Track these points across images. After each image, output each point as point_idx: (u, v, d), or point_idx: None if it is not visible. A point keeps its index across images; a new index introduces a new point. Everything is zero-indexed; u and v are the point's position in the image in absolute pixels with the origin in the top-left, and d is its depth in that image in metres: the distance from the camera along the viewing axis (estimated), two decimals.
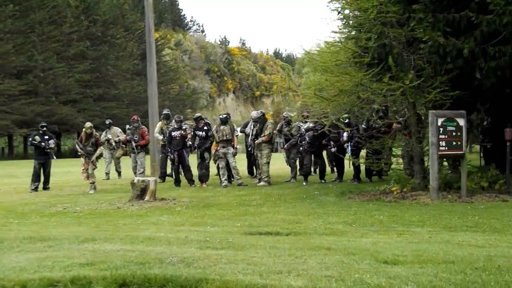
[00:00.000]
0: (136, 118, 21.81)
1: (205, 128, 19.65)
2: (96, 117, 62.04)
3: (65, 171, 29.70)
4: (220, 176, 19.82)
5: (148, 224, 11.41)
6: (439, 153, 14.18)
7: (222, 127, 19.38)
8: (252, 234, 9.97)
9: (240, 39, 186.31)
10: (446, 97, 14.34)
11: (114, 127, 24.81)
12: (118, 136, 24.21)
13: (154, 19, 22.28)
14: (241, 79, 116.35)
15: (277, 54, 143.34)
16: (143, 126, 21.65)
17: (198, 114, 20.41)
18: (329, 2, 16.54)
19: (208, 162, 19.95)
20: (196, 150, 19.96)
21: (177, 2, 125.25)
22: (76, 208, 14.66)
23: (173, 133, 19.93)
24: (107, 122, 24.90)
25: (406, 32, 14.61)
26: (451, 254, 7.18)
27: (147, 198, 15.30)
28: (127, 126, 22.03)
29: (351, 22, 16.51)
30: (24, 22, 61.07)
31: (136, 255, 6.80)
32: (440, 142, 14.19)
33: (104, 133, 24.23)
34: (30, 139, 20.91)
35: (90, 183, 19.02)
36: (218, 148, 19.43)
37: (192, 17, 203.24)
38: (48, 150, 20.25)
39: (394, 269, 6.13)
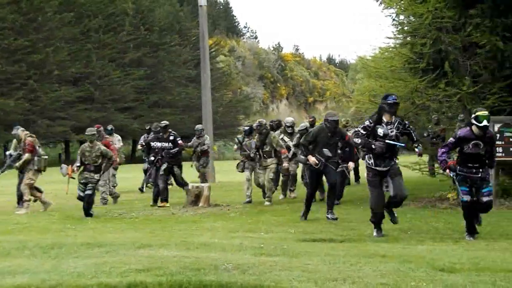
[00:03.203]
0: (98, 127, 18.44)
1: (171, 138, 17.02)
2: (151, 124, 62.60)
3: (120, 177, 30.00)
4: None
5: (203, 230, 11.49)
6: (495, 159, 13.97)
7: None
8: (306, 240, 9.97)
9: (294, 45, 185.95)
10: (504, 103, 14.13)
11: (115, 134, 22.04)
12: (115, 144, 20.66)
13: (208, 26, 22.40)
14: (294, 85, 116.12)
15: (330, 60, 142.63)
16: (107, 136, 19.06)
17: (165, 122, 17.90)
18: (383, 9, 16.49)
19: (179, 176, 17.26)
20: (153, 164, 17.34)
21: (231, 9, 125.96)
22: (131, 214, 14.82)
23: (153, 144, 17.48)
24: (109, 128, 21.87)
25: (462, 37, 14.45)
26: (509, 262, 7.08)
27: (201, 204, 15.40)
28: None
29: (405, 28, 16.39)
30: (80, 30, 62.05)
31: (192, 261, 6.85)
32: (497, 149, 13.98)
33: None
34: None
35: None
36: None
37: (246, 23, 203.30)
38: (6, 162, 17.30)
39: (451, 277, 6.07)
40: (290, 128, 17.60)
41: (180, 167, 17.25)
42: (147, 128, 22.08)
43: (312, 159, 12.36)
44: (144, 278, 5.99)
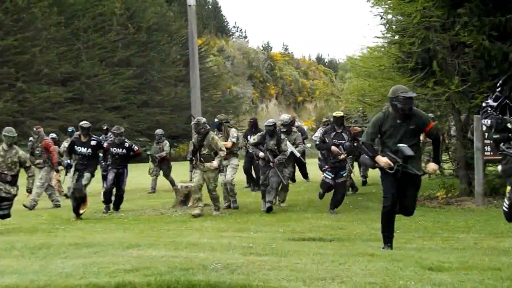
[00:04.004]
0: (38, 127, 18.15)
1: (93, 143, 14.36)
2: (140, 123, 62.62)
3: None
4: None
5: (192, 230, 11.49)
6: (484, 158, 14.02)
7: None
8: (295, 240, 9.98)
9: (283, 45, 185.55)
10: None
11: None
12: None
13: (198, 26, 22.37)
14: (283, 85, 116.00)
15: (319, 59, 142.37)
16: (46, 137, 17.99)
17: (86, 123, 14.90)
18: (372, 7, 16.51)
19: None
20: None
21: (220, 9, 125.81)
22: (120, 214, 14.79)
23: (113, 149, 15.69)
24: (69, 129, 21.07)
25: (450, 37, 14.48)
26: (497, 260, 7.09)
27: (190, 204, 15.36)
28: (30, 138, 18.27)
29: (394, 27, 16.43)
30: (69, 30, 61.88)
31: (180, 261, 6.84)
32: (485, 147, 14.02)
33: (64, 142, 20.08)
34: None
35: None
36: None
37: (235, 23, 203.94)
38: None
39: (439, 276, 6.07)
40: (285, 127, 15.74)
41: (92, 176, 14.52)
42: (104, 128, 20.75)
43: (383, 160, 8.38)
44: (133, 278, 5.98)
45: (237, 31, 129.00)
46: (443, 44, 14.83)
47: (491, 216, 12.32)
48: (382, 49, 16.87)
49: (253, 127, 18.38)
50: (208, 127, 14.48)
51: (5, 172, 12.15)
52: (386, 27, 16.73)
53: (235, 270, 6.30)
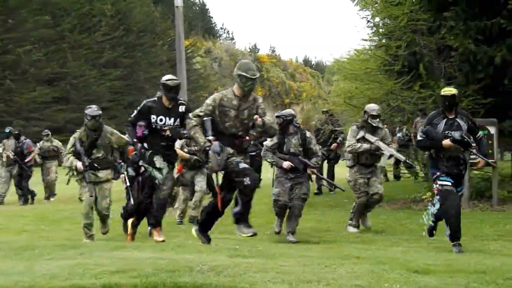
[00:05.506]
0: None
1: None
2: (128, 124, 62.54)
3: None
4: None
5: (178, 232, 11.47)
6: (469, 161, 14.05)
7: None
8: (282, 242, 9.98)
9: (270, 47, 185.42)
10: (478, 105, 14.23)
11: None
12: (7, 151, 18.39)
13: (185, 27, 22.34)
14: (270, 87, 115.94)
15: (306, 62, 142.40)
16: None
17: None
18: (359, 10, 16.58)
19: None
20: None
21: (207, 10, 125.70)
22: None
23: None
24: (6, 130, 18.86)
25: (437, 40, 14.54)
26: (482, 263, 7.12)
27: (176, 205, 15.32)
28: None
29: (381, 30, 16.48)
30: (56, 31, 61.63)
31: (166, 263, 6.81)
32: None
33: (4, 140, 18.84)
34: None
35: None
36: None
37: (222, 24, 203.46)
38: None
39: (424, 279, 6.08)
40: (377, 120, 11.39)
41: None
42: (16, 133, 18.66)
43: None
44: (119, 280, 5.95)
45: (224, 33, 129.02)
46: (429, 47, 14.89)
47: (476, 219, 12.36)
48: (369, 52, 16.92)
49: None
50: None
51: (240, 133, 8.85)
52: (373, 30, 16.79)
53: (221, 272, 6.29)
